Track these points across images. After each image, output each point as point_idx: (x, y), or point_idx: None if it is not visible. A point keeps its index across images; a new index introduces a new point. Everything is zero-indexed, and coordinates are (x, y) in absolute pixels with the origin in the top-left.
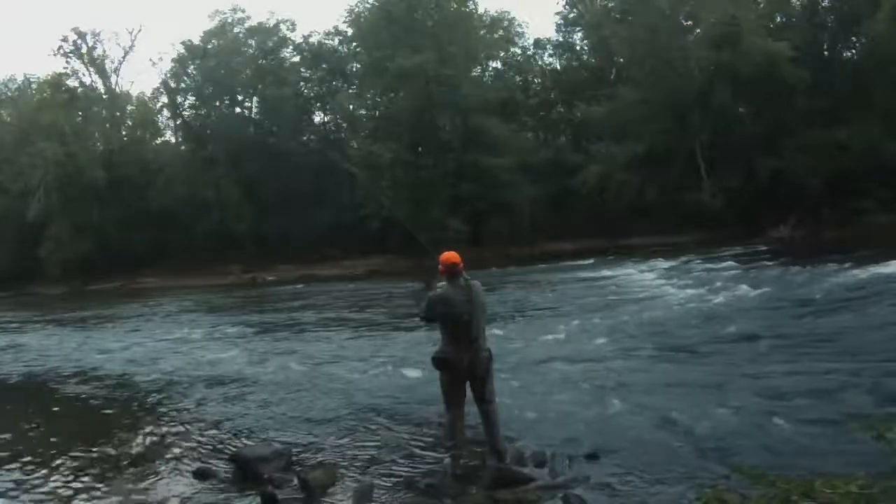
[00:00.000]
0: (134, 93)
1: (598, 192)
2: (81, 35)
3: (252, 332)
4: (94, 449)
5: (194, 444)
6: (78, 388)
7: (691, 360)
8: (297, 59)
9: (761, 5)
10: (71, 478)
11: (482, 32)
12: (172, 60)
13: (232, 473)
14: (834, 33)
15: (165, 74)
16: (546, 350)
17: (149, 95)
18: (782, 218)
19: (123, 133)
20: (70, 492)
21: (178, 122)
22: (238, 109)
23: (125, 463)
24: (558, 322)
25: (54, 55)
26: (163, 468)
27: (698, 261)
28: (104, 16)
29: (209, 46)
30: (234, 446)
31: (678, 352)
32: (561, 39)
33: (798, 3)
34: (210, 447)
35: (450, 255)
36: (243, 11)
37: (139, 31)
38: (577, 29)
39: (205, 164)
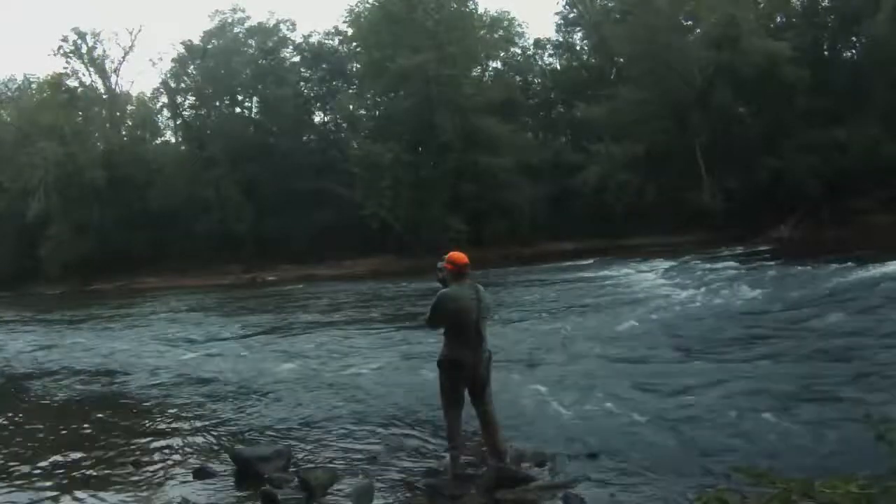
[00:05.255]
0: (134, 93)
1: (598, 192)
2: (81, 35)
3: (252, 332)
4: (94, 449)
5: (194, 444)
6: (76, 389)
7: (691, 360)
8: (297, 59)
9: (761, 5)
10: (70, 478)
11: (482, 32)
12: (172, 60)
13: (232, 473)
14: (834, 33)
15: (165, 74)
16: (546, 350)
17: (149, 95)
18: (782, 218)
19: (123, 133)
20: (69, 492)
21: (178, 122)
22: (238, 109)
23: (125, 463)
24: (558, 322)
25: (54, 55)
26: (163, 468)
27: (698, 261)
28: (104, 16)
29: (209, 46)
30: (235, 446)
31: (678, 352)
32: (561, 39)
33: (798, 3)
34: (210, 447)
35: (460, 255)
36: (243, 11)
37: (139, 31)
38: (577, 29)
39: (205, 164)
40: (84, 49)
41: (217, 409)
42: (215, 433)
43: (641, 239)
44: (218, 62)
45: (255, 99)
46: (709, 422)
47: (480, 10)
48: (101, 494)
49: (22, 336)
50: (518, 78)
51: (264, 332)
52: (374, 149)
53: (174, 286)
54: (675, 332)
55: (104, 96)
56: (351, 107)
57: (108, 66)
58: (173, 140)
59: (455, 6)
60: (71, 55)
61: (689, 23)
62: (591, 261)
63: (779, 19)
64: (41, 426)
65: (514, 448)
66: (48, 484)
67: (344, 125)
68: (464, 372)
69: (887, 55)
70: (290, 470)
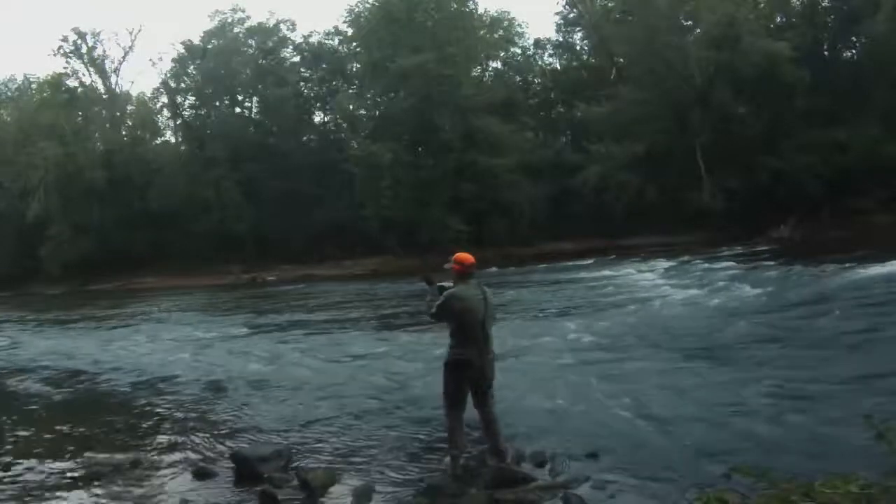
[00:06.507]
0: (134, 93)
1: (598, 192)
2: (81, 35)
3: (252, 333)
4: (94, 449)
5: (194, 444)
6: (76, 389)
7: (691, 361)
8: (297, 59)
9: (761, 5)
10: (70, 478)
11: (482, 32)
12: (172, 60)
13: (232, 473)
14: (834, 33)
15: (165, 74)
16: (545, 350)
17: (149, 95)
18: (782, 218)
19: (123, 133)
20: (69, 492)
21: (178, 122)
22: (238, 109)
23: (125, 463)
24: (558, 322)
25: (54, 55)
26: (163, 468)
27: (698, 261)
28: (104, 16)
29: (209, 46)
30: (234, 446)
31: (678, 352)
32: (561, 39)
33: (798, 3)
34: (210, 447)
35: (466, 256)
36: (243, 11)
37: (139, 31)
38: (577, 29)
39: (205, 164)
40: (84, 49)
41: (215, 408)
42: (215, 433)
43: (641, 239)
44: (218, 62)
45: (255, 99)
46: (709, 422)
47: (480, 10)
48: (101, 495)
49: (18, 336)
50: (518, 78)
51: (264, 332)
52: (373, 149)
53: (174, 286)
54: (675, 333)
55: (104, 96)
56: (351, 107)
57: (108, 66)
58: (173, 140)
59: (455, 6)
60: (71, 55)
61: (689, 23)
62: (591, 261)
63: (779, 19)
64: (36, 426)
65: (515, 448)
66: (46, 484)
67: (344, 125)
68: (470, 372)
69: (887, 55)
70: (290, 470)
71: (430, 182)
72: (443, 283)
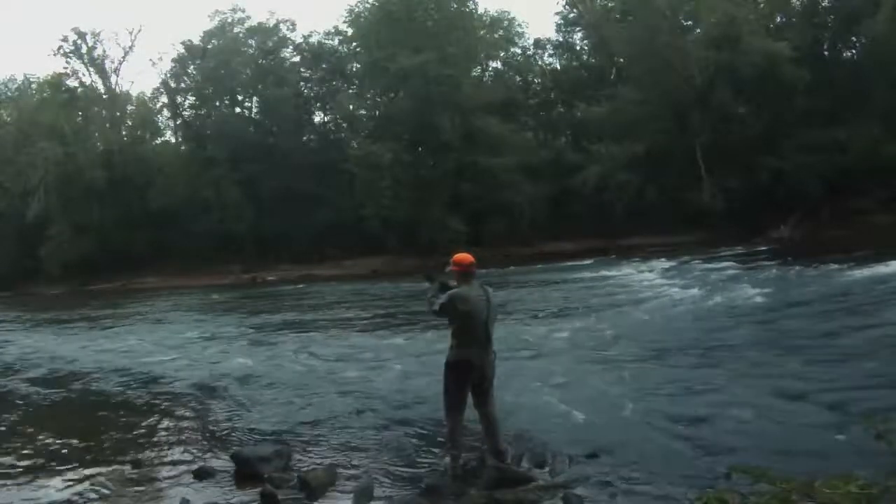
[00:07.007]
0: (134, 93)
1: (598, 192)
2: (81, 35)
3: (252, 332)
4: (93, 449)
5: (194, 444)
6: (76, 389)
7: (691, 361)
8: (297, 59)
9: (761, 5)
10: (69, 479)
11: (482, 32)
12: (172, 60)
13: (232, 473)
14: (834, 33)
15: (165, 74)
16: (545, 350)
17: (149, 95)
18: (782, 218)
19: (123, 133)
20: (69, 493)
21: (178, 122)
22: (238, 109)
23: (125, 463)
24: (557, 322)
25: (54, 55)
26: (163, 468)
27: (698, 261)
28: (104, 16)
29: (209, 46)
30: (234, 446)
31: (678, 352)
32: (561, 39)
33: (798, 3)
34: (210, 447)
35: (465, 256)
36: (243, 11)
37: (139, 31)
38: (577, 29)
39: (205, 164)
40: (84, 49)
41: (217, 408)
42: (215, 433)
43: (641, 239)
44: (218, 62)
45: (255, 99)
46: (709, 422)
47: (480, 10)
48: (101, 495)
49: (17, 336)
50: (518, 78)
51: (264, 332)
52: (373, 149)
53: (174, 286)
54: (674, 333)
55: (104, 96)
56: (351, 107)
57: (108, 66)
58: (173, 140)
59: (455, 6)
60: (71, 55)
61: (689, 23)
62: (590, 261)
63: (779, 19)
64: (35, 427)
65: (515, 448)
66: (47, 484)
67: (344, 125)
68: (472, 372)
69: (887, 55)
70: (290, 470)
71: (430, 182)
72: (444, 281)
